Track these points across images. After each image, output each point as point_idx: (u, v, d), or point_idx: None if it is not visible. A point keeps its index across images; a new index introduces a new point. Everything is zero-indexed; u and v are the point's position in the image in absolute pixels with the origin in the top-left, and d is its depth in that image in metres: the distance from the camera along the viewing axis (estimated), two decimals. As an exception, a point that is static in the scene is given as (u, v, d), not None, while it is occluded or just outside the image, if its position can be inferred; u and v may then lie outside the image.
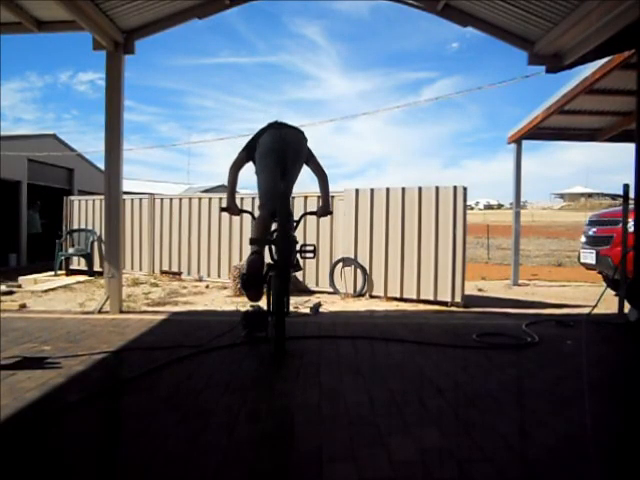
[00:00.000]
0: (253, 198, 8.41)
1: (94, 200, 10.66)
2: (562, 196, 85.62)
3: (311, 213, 3.55)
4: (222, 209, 3.23)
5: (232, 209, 3.20)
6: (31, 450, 1.86)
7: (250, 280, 2.96)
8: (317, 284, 7.95)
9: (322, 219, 3.46)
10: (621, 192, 4.74)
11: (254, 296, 3.06)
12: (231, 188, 3.22)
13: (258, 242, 2.98)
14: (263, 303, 3.34)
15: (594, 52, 4.73)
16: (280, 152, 3.06)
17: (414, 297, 7.04)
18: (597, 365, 2.96)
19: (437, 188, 6.95)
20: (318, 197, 7.80)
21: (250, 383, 2.65)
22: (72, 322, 4.26)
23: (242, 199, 8.76)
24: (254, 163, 3.23)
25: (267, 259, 3.06)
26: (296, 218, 3.32)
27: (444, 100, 8.43)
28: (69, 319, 4.45)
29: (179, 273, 9.49)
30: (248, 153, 3.22)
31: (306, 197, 8.01)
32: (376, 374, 2.83)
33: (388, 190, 7.38)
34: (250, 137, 3.27)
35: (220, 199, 9.20)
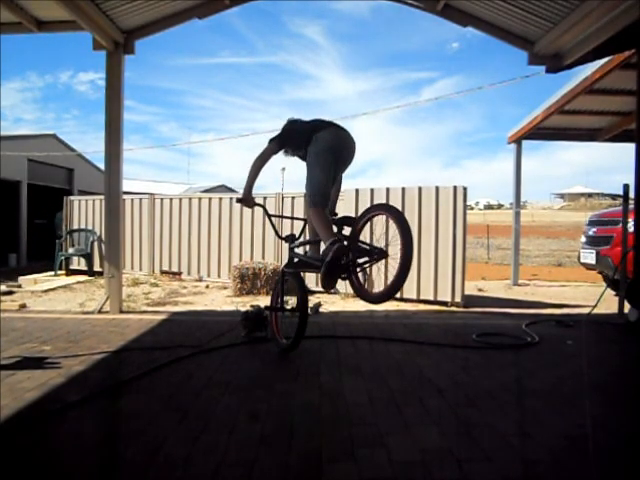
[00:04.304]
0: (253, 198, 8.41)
1: (94, 200, 10.65)
2: (562, 196, 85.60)
3: None
4: (238, 200, 3.18)
5: (248, 201, 3.15)
6: (31, 450, 1.86)
7: (337, 267, 2.76)
8: (317, 284, 7.94)
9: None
10: (621, 192, 4.74)
11: (332, 284, 2.85)
12: (251, 181, 3.12)
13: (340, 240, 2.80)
14: (262, 303, 3.34)
15: (594, 52, 4.74)
16: (340, 153, 3.01)
17: (414, 297, 7.04)
18: (597, 365, 2.96)
19: (437, 188, 6.95)
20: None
21: (250, 383, 2.65)
22: (72, 322, 4.26)
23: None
24: (287, 151, 3.15)
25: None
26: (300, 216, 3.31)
27: (444, 100, 8.44)
28: (69, 319, 4.45)
29: (179, 273, 9.49)
30: (280, 144, 3.11)
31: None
32: (376, 374, 2.83)
33: (388, 190, 7.38)
34: (285, 129, 3.15)
35: (220, 199, 9.20)
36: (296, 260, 3.28)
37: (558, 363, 3.12)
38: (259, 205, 3.27)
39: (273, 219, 3.45)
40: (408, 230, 2.62)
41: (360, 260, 2.90)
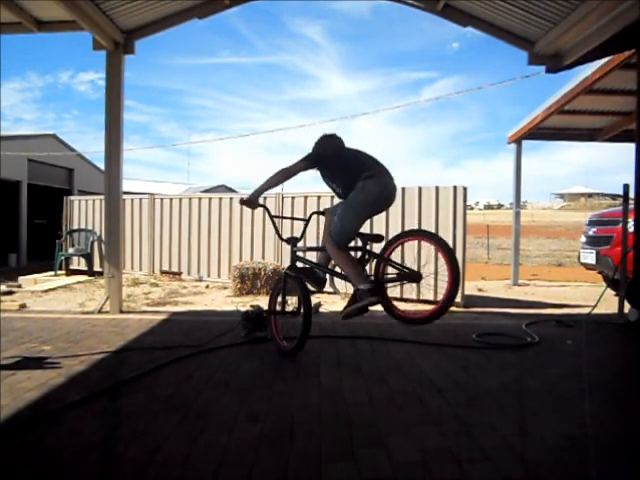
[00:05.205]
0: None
1: (94, 200, 10.66)
2: (562, 196, 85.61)
3: (320, 213, 3.54)
4: (242, 201, 3.11)
5: (253, 203, 3.09)
6: (31, 450, 1.86)
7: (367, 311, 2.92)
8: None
9: (322, 218, 3.40)
10: (621, 192, 4.74)
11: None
12: (265, 188, 3.03)
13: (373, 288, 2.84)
14: (262, 303, 3.34)
15: (594, 52, 4.73)
16: (381, 207, 3.07)
17: (414, 297, 7.03)
18: (597, 365, 2.96)
19: (437, 188, 6.95)
20: (318, 197, 7.82)
21: (250, 383, 2.65)
22: (72, 322, 4.26)
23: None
24: (320, 169, 3.06)
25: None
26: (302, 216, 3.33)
27: (444, 100, 8.45)
28: (69, 319, 4.45)
29: (179, 273, 9.49)
30: (311, 164, 3.01)
31: (306, 197, 8.02)
32: (376, 374, 2.83)
33: (388, 190, 7.37)
34: (321, 151, 3.05)
35: (220, 199, 9.20)
36: (301, 265, 3.26)
37: (558, 363, 3.12)
38: (262, 206, 3.24)
39: (274, 220, 3.44)
40: (454, 258, 2.68)
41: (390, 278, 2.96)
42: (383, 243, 3.10)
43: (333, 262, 3.10)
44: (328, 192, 7.88)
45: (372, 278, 2.98)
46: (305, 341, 3.07)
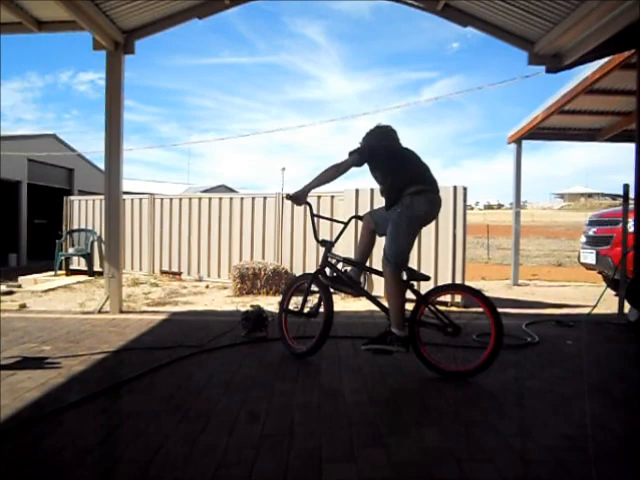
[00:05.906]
0: (253, 198, 8.53)
1: (94, 200, 10.65)
2: (562, 196, 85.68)
3: (359, 217, 3.51)
4: (289, 197, 3.05)
5: (301, 199, 3.03)
6: (31, 450, 1.86)
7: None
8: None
9: (322, 220, 3.38)
10: (621, 192, 4.74)
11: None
12: (315, 185, 2.98)
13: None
14: (262, 303, 3.33)
15: (594, 52, 4.74)
16: (426, 223, 3.10)
17: (414, 297, 7.04)
18: (597, 365, 2.96)
19: (437, 188, 6.95)
20: (318, 197, 7.81)
21: (250, 383, 2.65)
22: (72, 322, 4.26)
23: (242, 199, 8.79)
24: (373, 167, 3.05)
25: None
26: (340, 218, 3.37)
27: (444, 100, 8.46)
28: (69, 319, 4.45)
29: (179, 273, 9.49)
30: (362, 161, 2.97)
31: (306, 197, 8.02)
32: (376, 374, 2.83)
33: (388, 190, 7.37)
34: (375, 149, 3.00)
35: (220, 199, 9.20)
36: (334, 274, 3.24)
37: (558, 363, 3.12)
38: (307, 204, 3.16)
39: (314, 219, 3.40)
40: (498, 315, 2.76)
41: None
42: (431, 284, 3.16)
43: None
44: (328, 192, 7.91)
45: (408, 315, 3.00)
46: (323, 343, 3.09)
